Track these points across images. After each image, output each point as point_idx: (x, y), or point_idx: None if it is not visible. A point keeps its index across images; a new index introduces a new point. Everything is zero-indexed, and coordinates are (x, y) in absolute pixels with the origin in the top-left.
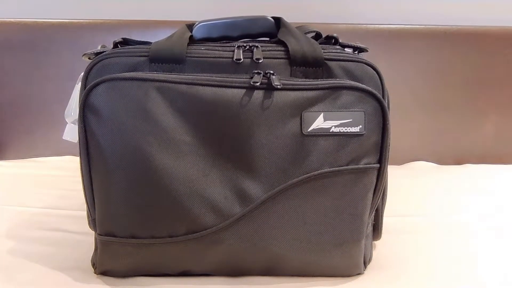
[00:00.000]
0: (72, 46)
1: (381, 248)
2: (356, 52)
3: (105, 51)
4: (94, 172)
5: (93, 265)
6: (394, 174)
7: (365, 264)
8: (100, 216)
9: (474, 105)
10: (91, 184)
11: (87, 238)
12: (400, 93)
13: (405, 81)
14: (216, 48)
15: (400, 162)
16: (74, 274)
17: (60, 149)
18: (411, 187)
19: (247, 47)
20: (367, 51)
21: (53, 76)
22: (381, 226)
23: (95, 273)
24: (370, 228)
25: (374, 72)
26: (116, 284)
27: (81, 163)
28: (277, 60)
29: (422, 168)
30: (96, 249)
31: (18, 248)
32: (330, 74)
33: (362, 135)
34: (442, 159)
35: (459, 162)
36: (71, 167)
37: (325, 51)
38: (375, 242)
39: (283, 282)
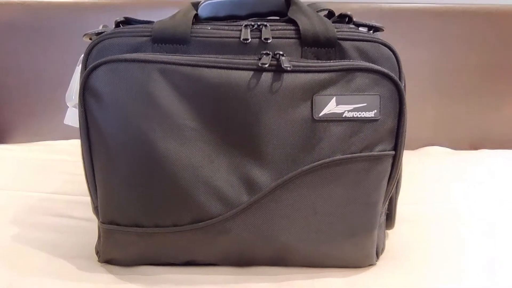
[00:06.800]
0: (77, 27)
1: (394, 238)
2: (371, 31)
3: (106, 31)
4: (96, 158)
5: (97, 253)
6: (408, 159)
7: (378, 254)
8: (103, 204)
9: (493, 88)
10: (93, 171)
11: (92, 225)
12: (415, 75)
13: (421, 63)
14: (223, 27)
15: (414, 147)
16: (77, 262)
17: (67, 133)
18: (426, 174)
19: (255, 26)
20: (382, 30)
21: (58, 58)
22: (395, 215)
23: (99, 261)
24: (383, 217)
25: (391, 53)
26: (120, 273)
27: (82, 149)
28: (287, 40)
29: (437, 154)
30: (99, 237)
31: (22, 234)
32: (343, 55)
33: (377, 120)
34: (457, 144)
35: (475, 147)
36: (77, 151)
37: (338, 30)
38: (387, 231)
39: (292, 273)
